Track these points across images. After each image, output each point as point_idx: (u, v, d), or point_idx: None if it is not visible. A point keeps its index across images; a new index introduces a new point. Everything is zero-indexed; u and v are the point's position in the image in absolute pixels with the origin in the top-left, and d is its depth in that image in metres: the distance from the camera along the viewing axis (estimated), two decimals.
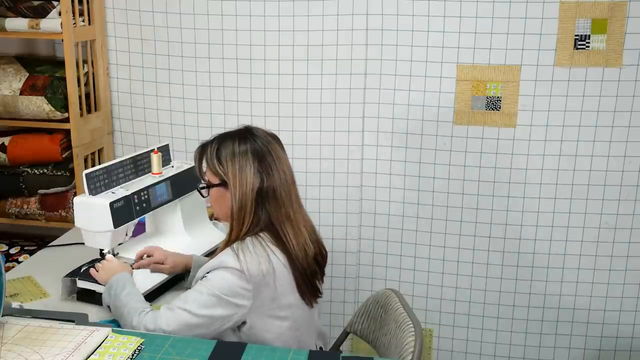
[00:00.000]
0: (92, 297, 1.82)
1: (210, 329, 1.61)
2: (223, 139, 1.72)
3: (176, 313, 1.61)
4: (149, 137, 2.73)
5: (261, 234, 1.67)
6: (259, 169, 1.66)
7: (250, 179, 1.66)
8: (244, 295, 1.61)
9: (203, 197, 1.76)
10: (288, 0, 2.46)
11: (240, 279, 1.60)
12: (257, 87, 2.58)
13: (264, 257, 1.63)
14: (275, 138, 1.76)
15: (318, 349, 1.82)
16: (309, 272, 1.72)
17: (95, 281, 1.81)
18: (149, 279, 1.87)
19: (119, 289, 1.71)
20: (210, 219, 2.29)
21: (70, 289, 1.87)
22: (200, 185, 1.75)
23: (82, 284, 1.84)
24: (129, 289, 1.72)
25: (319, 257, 1.77)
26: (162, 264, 1.90)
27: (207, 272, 1.64)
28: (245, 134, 1.72)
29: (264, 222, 1.68)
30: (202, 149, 1.74)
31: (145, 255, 1.92)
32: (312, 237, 1.75)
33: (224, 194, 1.70)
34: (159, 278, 1.90)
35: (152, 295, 1.86)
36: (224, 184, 1.69)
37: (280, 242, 1.67)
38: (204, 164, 1.73)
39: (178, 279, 1.97)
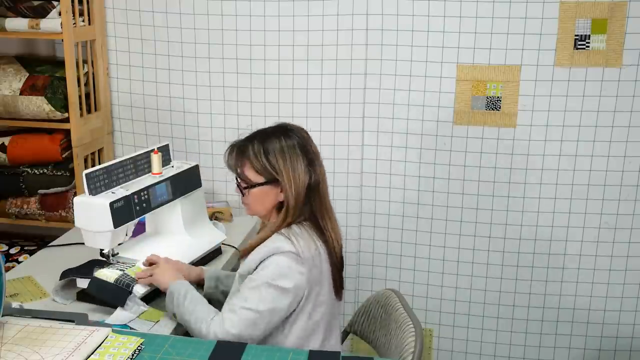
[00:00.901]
0: (92, 297, 1.82)
1: (273, 321, 1.63)
2: (264, 136, 1.72)
3: (239, 314, 1.61)
4: (149, 137, 2.73)
5: (304, 223, 1.71)
6: (308, 164, 1.70)
7: (302, 174, 1.69)
8: (301, 277, 1.64)
9: (243, 196, 1.75)
10: (288, 0, 2.46)
11: (297, 262, 1.63)
12: (257, 87, 2.58)
13: (311, 241, 1.68)
14: (307, 132, 1.79)
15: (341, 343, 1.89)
16: (339, 265, 1.77)
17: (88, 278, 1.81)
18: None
19: (180, 298, 1.70)
20: (210, 219, 2.29)
21: (67, 295, 1.86)
22: (244, 185, 1.74)
23: (81, 282, 1.84)
24: (191, 295, 1.71)
25: (342, 252, 1.83)
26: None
27: (261, 261, 1.65)
28: (286, 131, 1.73)
29: (307, 214, 1.72)
30: (242, 148, 1.73)
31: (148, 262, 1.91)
32: (339, 230, 1.80)
33: (268, 192, 1.71)
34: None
35: (151, 296, 1.86)
36: (272, 181, 1.70)
37: (321, 233, 1.72)
38: (247, 163, 1.72)
39: None
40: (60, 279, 1.85)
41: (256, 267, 1.66)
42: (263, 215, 1.78)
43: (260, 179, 1.71)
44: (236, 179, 1.77)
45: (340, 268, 1.79)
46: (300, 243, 1.65)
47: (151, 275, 1.81)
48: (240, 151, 1.74)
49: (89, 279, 1.81)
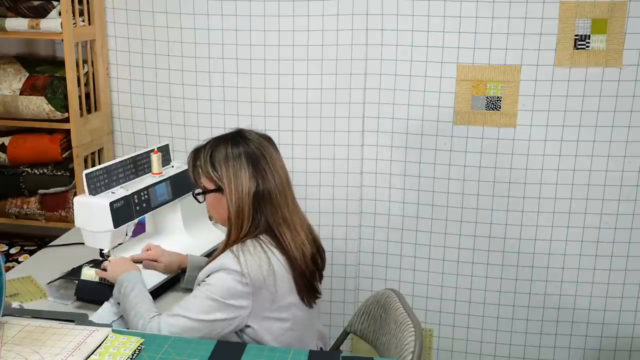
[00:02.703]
0: (93, 298, 1.82)
1: (212, 334, 1.61)
2: (216, 143, 1.71)
3: (177, 319, 1.61)
4: (149, 137, 2.73)
5: (261, 236, 1.67)
6: (253, 173, 1.66)
7: (246, 183, 1.65)
8: (244, 298, 1.61)
9: (199, 202, 1.76)
10: (288, 0, 2.46)
11: (240, 282, 1.60)
12: (257, 87, 2.58)
13: (264, 259, 1.62)
14: (268, 140, 1.75)
15: (318, 349, 1.82)
16: (308, 272, 1.71)
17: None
18: (147, 281, 1.87)
19: (128, 289, 1.70)
20: (210, 219, 2.29)
21: (67, 295, 1.87)
22: (197, 191, 1.74)
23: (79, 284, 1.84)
24: (138, 289, 1.71)
25: (317, 257, 1.77)
26: (157, 261, 1.91)
27: (208, 276, 1.64)
28: (238, 138, 1.71)
29: (263, 225, 1.67)
30: (195, 155, 1.74)
31: (145, 249, 1.93)
32: (309, 237, 1.75)
33: (220, 199, 1.69)
34: (157, 280, 1.90)
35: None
36: (219, 189, 1.68)
37: (279, 244, 1.67)
38: (198, 170, 1.72)
39: (175, 281, 1.98)
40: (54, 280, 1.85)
41: (204, 280, 1.65)
42: (222, 224, 1.76)
43: (211, 186, 1.70)
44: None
45: (311, 275, 1.73)
46: (248, 262, 1.60)
47: (104, 269, 1.81)
48: (194, 156, 1.74)
49: (77, 281, 1.82)
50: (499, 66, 2.41)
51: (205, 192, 1.71)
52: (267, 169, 1.68)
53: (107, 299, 1.77)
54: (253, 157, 1.67)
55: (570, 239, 2.52)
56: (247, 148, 1.68)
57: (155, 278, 1.90)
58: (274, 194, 1.67)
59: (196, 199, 1.75)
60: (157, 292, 1.91)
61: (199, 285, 1.67)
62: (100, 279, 1.81)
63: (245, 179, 1.65)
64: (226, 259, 1.62)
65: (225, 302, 1.60)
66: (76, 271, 1.89)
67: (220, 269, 1.62)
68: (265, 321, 1.65)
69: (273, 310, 1.66)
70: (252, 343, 1.63)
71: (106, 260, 1.87)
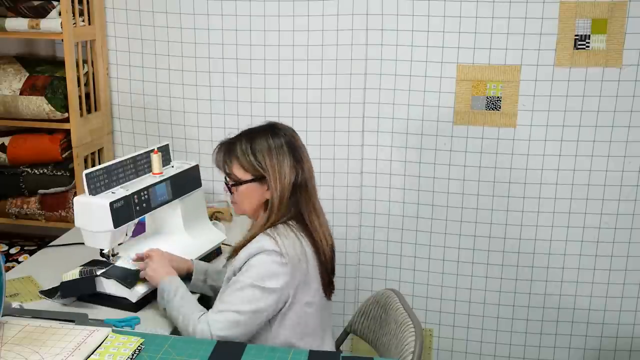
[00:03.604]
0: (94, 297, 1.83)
1: (259, 321, 1.64)
2: (252, 135, 1.74)
3: (223, 315, 1.63)
4: (149, 137, 2.73)
5: (290, 222, 1.72)
6: (294, 163, 1.72)
7: (288, 172, 1.71)
8: (284, 277, 1.64)
9: (231, 194, 1.77)
10: (288, 0, 2.46)
11: (280, 262, 1.63)
12: (257, 87, 2.58)
13: (297, 242, 1.68)
14: (295, 131, 1.81)
15: (334, 342, 1.89)
16: (328, 263, 1.78)
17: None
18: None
19: (170, 295, 1.72)
20: (210, 219, 2.29)
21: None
22: (231, 183, 1.75)
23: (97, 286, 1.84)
24: (181, 293, 1.73)
25: (334, 249, 1.84)
26: None
27: (246, 261, 1.66)
28: (274, 129, 1.76)
29: (293, 212, 1.73)
30: (230, 147, 1.75)
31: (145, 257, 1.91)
32: (328, 229, 1.81)
33: (255, 189, 1.73)
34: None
35: (146, 299, 1.85)
36: (258, 179, 1.71)
37: (307, 231, 1.72)
38: (234, 161, 1.74)
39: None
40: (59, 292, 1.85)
41: (241, 268, 1.67)
42: (250, 214, 1.80)
43: (248, 177, 1.73)
44: (225, 177, 1.79)
45: (330, 268, 1.80)
46: (285, 242, 1.65)
47: (143, 264, 1.84)
48: (228, 149, 1.76)
49: (59, 286, 1.81)
50: (499, 66, 2.41)
51: (243, 182, 1.73)
52: (302, 159, 1.75)
53: (91, 291, 1.79)
54: (292, 147, 1.73)
55: (570, 239, 2.52)
56: (286, 139, 1.74)
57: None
58: (310, 183, 1.75)
59: (229, 190, 1.76)
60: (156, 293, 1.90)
61: (234, 274, 1.68)
62: (80, 273, 1.82)
63: (288, 168, 1.71)
64: (264, 241, 1.66)
65: (267, 287, 1.63)
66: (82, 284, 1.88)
67: (260, 252, 1.64)
68: (295, 305, 1.68)
69: (304, 293, 1.69)
70: (279, 325, 1.67)
71: (115, 258, 1.88)
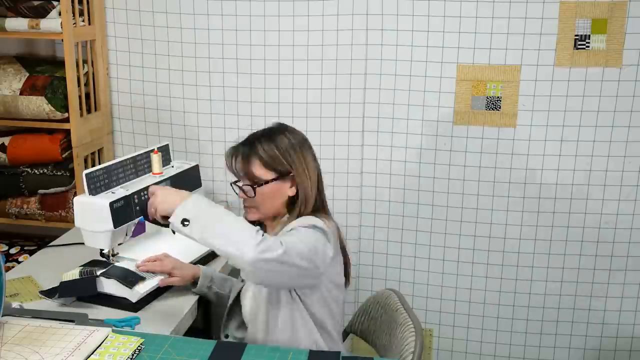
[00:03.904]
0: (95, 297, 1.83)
1: (315, 263, 1.57)
2: (270, 134, 1.75)
3: (294, 240, 1.54)
4: (149, 137, 2.73)
5: (317, 214, 1.75)
6: (314, 157, 1.77)
7: (312, 166, 1.76)
8: (327, 256, 1.62)
9: (250, 197, 1.73)
10: (288, 0, 2.47)
11: (326, 241, 1.63)
12: (257, 87, 2.58)
13: (331, 223, 1.74)
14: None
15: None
16: (345, 253, 1.81)
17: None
18: (149, 284, 1.86)
19: (211, 203, 1.53)
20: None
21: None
22: (253, 184, 1.72)
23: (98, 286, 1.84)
24: (216, 210, 1.52)
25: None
26: (170, 274, 1.89)
27: (291, 229, 1.66)
28: (288, 128, 1.79)
29: (318, 204, 1.77)
30: (249, 148, 1.73)
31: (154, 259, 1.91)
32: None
33: (279, 188, 1.73)
34: (155, 282, 1.89)
35: (146, 299, 1.85)
36: (282, 176, 1.72)
37: (331, 220, 1.76)
38: (256, 161, 1.72)
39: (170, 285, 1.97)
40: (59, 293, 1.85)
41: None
42: (272, 215, 1.77)
43: (271, 175, 1.72)
44: (240, 183, 1.76)
45: (346, 260, 1.82)
46: (329, 226, 1.69)
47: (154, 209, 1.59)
48: (246, 151, 1.73)
49: (59, 286, 1.81)
50: (499, 66, 2.41)
51: (266, 182, 1.71)
52: (314, 153, 1.80)
53: (91, 293, 1.78)
54: (308, 143, 1.79)
55: (570, 239, 2.52)
56: (302, 135, 1.79)
57: (154, 280, 1.88)
58: (321, 176, 1.81)
59: (253, 190, 1.71)
60: (154, 295, 1.90)
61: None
62: (80, 273, 1.81)
63: (311, 162, 1.76)
64: (313, 219, 1.68)
65: (325, 230, 1.64)
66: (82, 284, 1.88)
67: (310, 225, 1.64)
68: (324, 279, 1.68)
69: (333, 268, 1.71)
70: (311, 303, 1.68)
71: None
